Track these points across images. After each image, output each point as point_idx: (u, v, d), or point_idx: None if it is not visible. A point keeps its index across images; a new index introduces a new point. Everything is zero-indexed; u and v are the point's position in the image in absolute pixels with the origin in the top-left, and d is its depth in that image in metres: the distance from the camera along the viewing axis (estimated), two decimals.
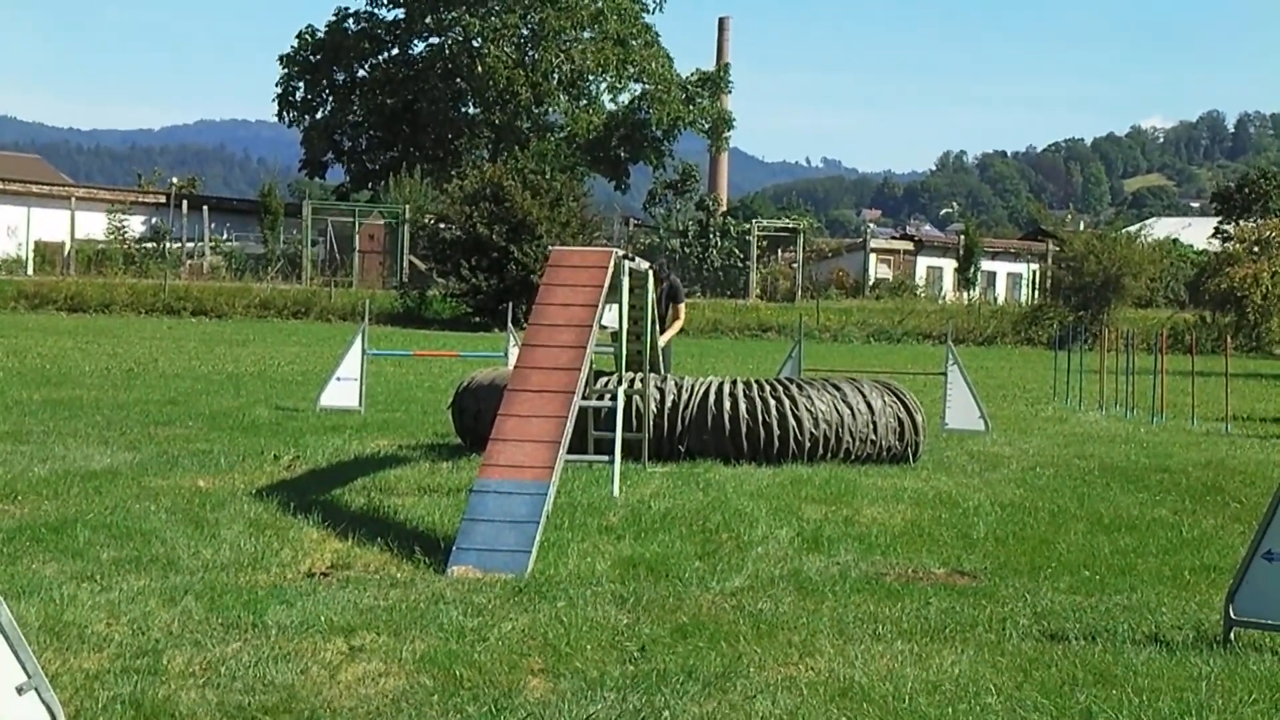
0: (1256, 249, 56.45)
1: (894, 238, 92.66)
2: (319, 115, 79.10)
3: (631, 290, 13.78)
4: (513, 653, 7.32)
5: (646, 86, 77.37)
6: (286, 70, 78.75)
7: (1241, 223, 60.84)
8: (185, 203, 67.87)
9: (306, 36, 78.62)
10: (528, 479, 10.11)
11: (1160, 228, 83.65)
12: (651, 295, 14.79)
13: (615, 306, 13.47)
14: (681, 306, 19.18)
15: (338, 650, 7.30)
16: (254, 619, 7.78)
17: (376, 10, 78.34)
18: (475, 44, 74.33)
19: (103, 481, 12.35)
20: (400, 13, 77.76)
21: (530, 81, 74.16)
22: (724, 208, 75.94)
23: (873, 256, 77.91)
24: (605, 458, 13.02)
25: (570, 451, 11.40)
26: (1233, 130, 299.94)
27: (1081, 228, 68.92)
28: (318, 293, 57.02)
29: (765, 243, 72.46)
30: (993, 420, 19.94)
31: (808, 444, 14.88)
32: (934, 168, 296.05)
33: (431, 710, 6.45)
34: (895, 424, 15.32)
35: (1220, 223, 63.69)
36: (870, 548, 10.44)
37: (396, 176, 68.50)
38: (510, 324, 22.71)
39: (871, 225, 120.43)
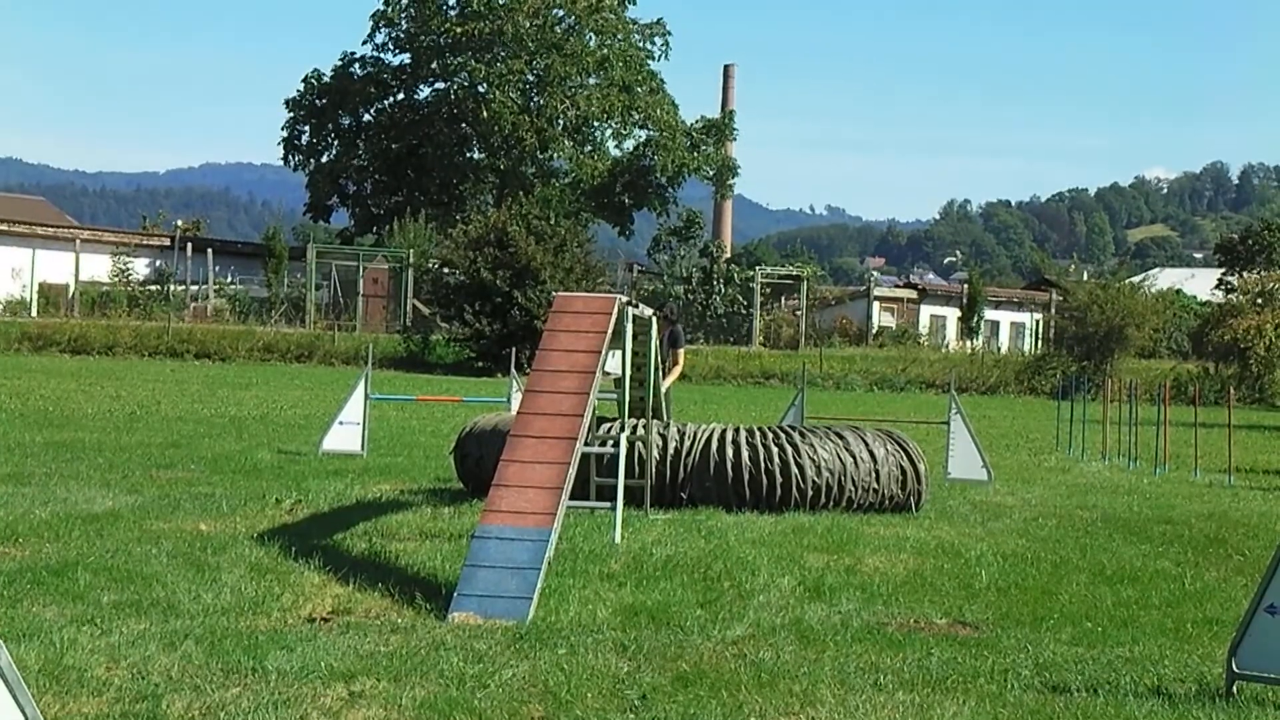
0: (1260, 300, 56.50)
1: (898, 286, 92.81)
2: (324, 159, 79.22)
3: (635, 337, 13.79)
4: (513, 700, 7.30)
5: (651, 133, 77.52)
6: (292, 114, 78.91)
7: (1245, 274, 60.92)
8: (189, 245, 67.98)
9: (312, 81, 78.79)
10: (529, 525, 10.10)
11: (1164, 278, 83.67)
12: (655, 340, 14.80)
13: (618, 352, 13.47)
14: (681, 352, 19.31)
15: (338, 696, 7.28)
16: (254, 664, 7.76)
17: (382, 55, 78.59)
18: (481, 89, 74.49)
19: (104, 524, 12.34)
20: (406, 58, 78.00)
21: (535, 127, 74.32)
22: (728, 254, 76.02)
23: (876, 304, 77.93)
24: (607, 504, 13.01)
25: (572, 498, 11.38)
26: (1236, 181, 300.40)
27: (1085, 277, 69.00)
28: (321, 336, 57.05)
29: (769, 290, 72.50)
30: (995, 470, 19.92)
31: (810, 492, 14.87)
32: (938, 216, 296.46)
33: None
34: (898, 473, 15.30)
35: (1224, 274, 63.78)
36: (872, 597, 10.42)
37: (401, 221, 68.60)
38: (513, 369, 22.74)
39: (875, 273, 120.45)
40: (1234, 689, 7.87)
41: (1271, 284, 57.49)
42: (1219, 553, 13.53)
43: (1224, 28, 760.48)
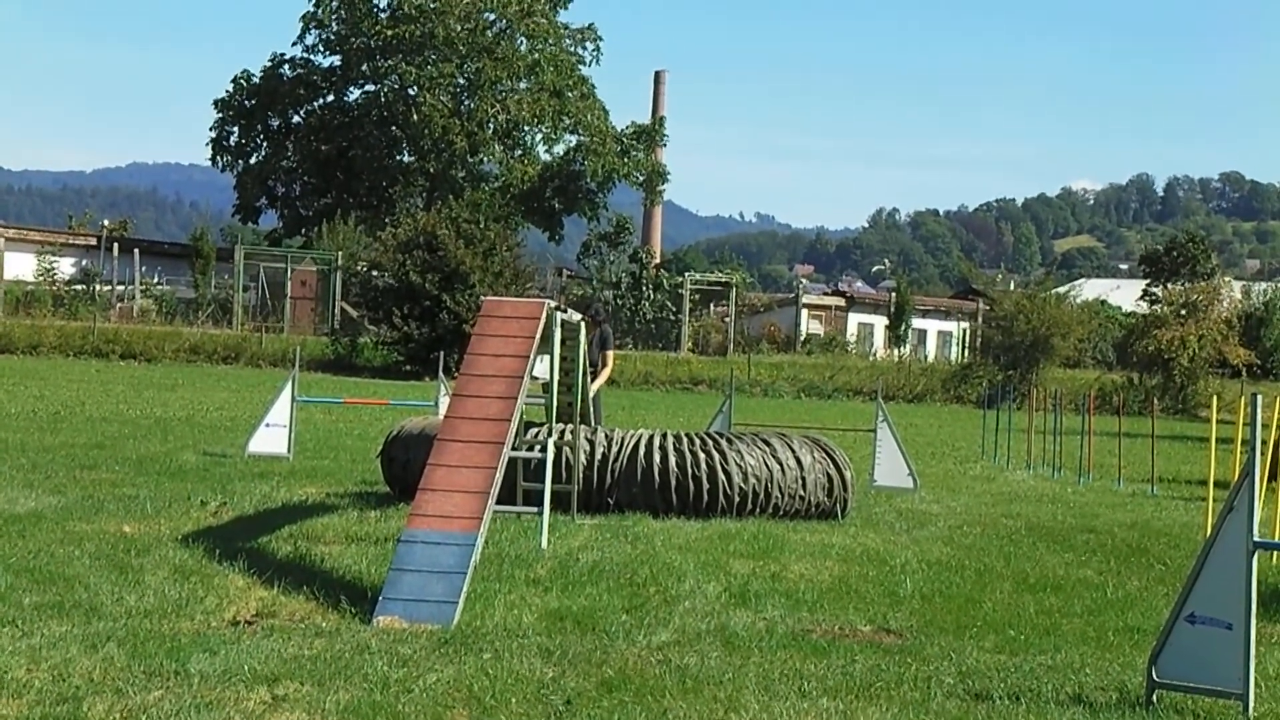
0: (1184, 312, 56.96)
1: (826, 294, 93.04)
2: (253, 160, 78.80)
3: (563, 342, 13.79)
4: (437, 705, 7.29)
5: (582, 138, 77.46)
6: (221, 115, 78.44)
7: (1169, 286, 61.34)
8: (116, 245, 67.57)
9: (242, 81, 78.36)
10: (456, 530, 10.09)
11: (1089, 289, 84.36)
12: (584, 345, 14.80)
13: (547, 358, 13.46)
14: (610, 354, 19.33)
15: (261, 699, 7.25)
16: (177, 667, 7.73)
17: (312, 57, 78.20)
18: (411, 92, 74.27)
19: (26, 525, 12.24)
20: (336, 60, 77.67)
21: (465, 131, 74.15)
22: (657, 260, 76.10)
23: (804, 312, 78.18)
24: (534, 509, 13.00)
25: (499, 502, 11.38)
26: (1162, 194, 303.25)
27: (1012, 287, 69.32)
28: (248, 338, 56.76)
29: (698, 296, 72.61)
30: (921, 478, 20.02)
31: (737, 499, 14.90)
32: (866, 225, 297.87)
33: None
34: (824, 480, 15.36)
35: (1149, 285, 64.22)
36: (797, 604, 10.45)
37: (330, 223, 68.33)
38: (441, 373, 22.67)
39: (804, 281, 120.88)
40: (1154, 697, 7.93)
41: (1195, 295, 57.95)
42: (1141, 562, 13.64)
43: (1152, 42, 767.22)
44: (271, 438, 20.06)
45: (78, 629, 8.54)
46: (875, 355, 73.01)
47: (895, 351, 72.21)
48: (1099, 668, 8.83)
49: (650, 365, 57.73)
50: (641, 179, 79.29)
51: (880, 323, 79.36)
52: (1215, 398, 20.12)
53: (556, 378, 13.84)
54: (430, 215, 55.93)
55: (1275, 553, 13.47)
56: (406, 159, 77.22)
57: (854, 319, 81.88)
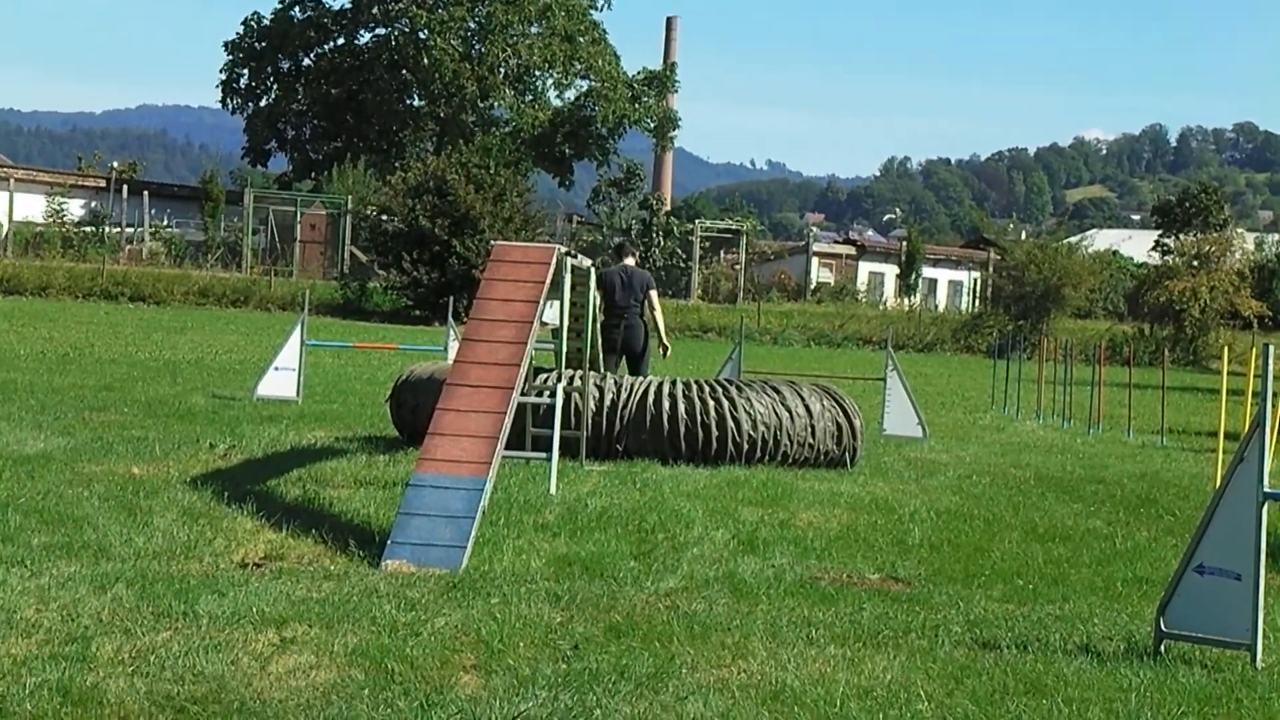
0: (1195, 263, 56.93)
1: (836, 242, 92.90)
2: (263, 103, 78.72)
3: (573, 287, 13.76)
4: (445, 648, 7.29)
5: (593, 84, 77.30)
6: (231, 57, 78.33)
7: (1181, 237, 61.24)
8: (125, 187, 67.47)
9: (252, 23, 78.23)
10: (464, 474, 10.08)
11: (1101, 239, 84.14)
12: (594, 292, 14.75)
13: (556, 303, 13.44)
14: (655, 294, 18.47)
15: (269, 642, 7.25)
16: (185, 608, 7.73)
17: None
18: (422, 36, 74.07)
19: (35, 466, 12.25)
20: (347, 2, 77.50)
21: (476, 75, 73.97)
22: (667, 207, 75.93)
23: (815, 260, 78.10)
24: (543, 455, 12.99)
25: (508, 448, 11.37)
26: (1175, 144, 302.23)
27: (1023, 237, 69.20)
28: (257, 281, 56.81)
29: (708, 244, 72.53)
30: (930, 427, 20.01)
31: (745, 446, 14.88)
32: (878, 173, 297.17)
33: (362, 704, 6.41)
34: (833, 428, 15.34)
35: (1160, 236, 64.08)
36: (805, 551, 10.44)
37: (340, 167, 68.26)
38: (450, 318, 22.69)
39: (814, 229, 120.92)
40: (1162, 647, 7.93)
41: (1207, 246, 57.89)
42: (1150, 513, 13.63)
43: None
44: (280, 381, 20.07)
45: (86, 570, 8.55)
46: (885, 304, 72.93)
47: (905, 301, 72.11)
48: (1107, 618, 8.82)
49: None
50: (652, 125, 79.17)
51: (891, 272, 79.21)
52: (1226, 349, 20.12)
53: (565, 323, 13.83)
54: (440, 160, 55.82)
55: None
56: (417, 103, 77.13)
57: (864, 268, 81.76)
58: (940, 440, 19.60)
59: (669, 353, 19.15)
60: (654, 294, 18.42)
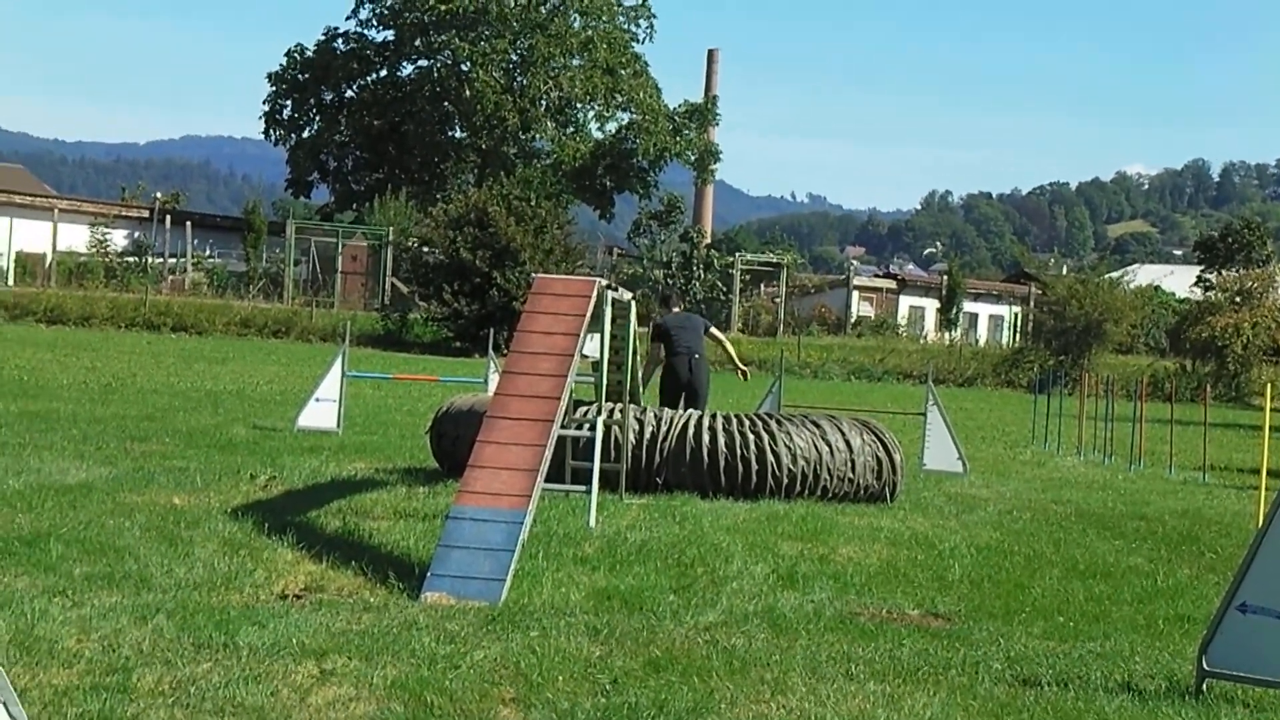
0: (1238, 299, 56.66)
1: (877, 276, 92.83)
2: (305, 134, 79.09)
3: (614, 320, 13.77)
4: (484, 681, 7.29)
5: (634, 116, 77.45)
6: (274, 88, 78.77)
7: (1224, 272, 61.05)
8: (168, 218, 67.86)
9: (295, 55, 78.65)
10: (504, 507, 10.09)
11: (1143, 274, 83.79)
12: (635, 326, 14.77)
13: (597, 336, 13.45)
14: (715, 330, 19.26)
15: (309, 673, 7.27)
16: (225, 639, 7.75)
17: (366, 31, 78.42)
18: (464, 68, 74.37)
19: (77, 496, 12.30)
20: (390, 34, 77.85)
21: (518, 107, 74.22)
22: (708, 240, 75.95)
23: (855, 294, 78.03)
24: (582, 488, 12.98)
25: (547, 480, 11.37)
26: (1217, 179, 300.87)
27: (1064, 272, 69.01)
28: (299, 312, 56.98)
29: (748, 276, 72.52)
30: (971, 462, 19.95)
31: (785, 480, 14.87)
32: (919, 207, 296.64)
33: None
34: (873, 463, 15.30)
35: (1203, 271, 63.91)
36: (845, 586, 10.42)
37: (381, 198, 68.45)
38: (491, 350, 22.70)
39: (855, 263, 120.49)
40: (1204, 686, 7.89)
41: (1250, 282, 57.63)
42: (1192, 550, 13.57)
43: (1210, 28, 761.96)
44: (321, 412, 20.11)
45: (127, 600, 8.58)
46: (926, 338, 72.76)
47: (946, 335, 71.98)
48: (1148, 656, 8.78)
49: None
50: (693, 158, 79.27)
51: (931, 306, 79.10)
52: (1269, 386, 20.01)
53: (606, 356, 13.83)
54: (481, 192, 55.99)
55: None
56: (458, 135, 77.38)
57: (905, 301, 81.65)
58: (980, 475, 19.54)
59: (749, 376, 21.01)
60: (715, 330, 19.23)
